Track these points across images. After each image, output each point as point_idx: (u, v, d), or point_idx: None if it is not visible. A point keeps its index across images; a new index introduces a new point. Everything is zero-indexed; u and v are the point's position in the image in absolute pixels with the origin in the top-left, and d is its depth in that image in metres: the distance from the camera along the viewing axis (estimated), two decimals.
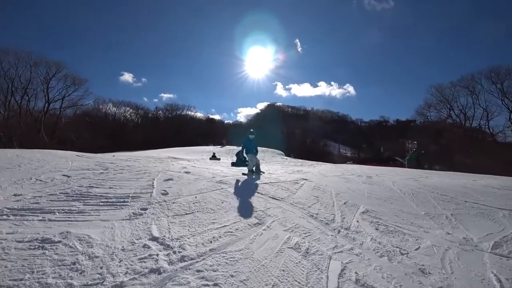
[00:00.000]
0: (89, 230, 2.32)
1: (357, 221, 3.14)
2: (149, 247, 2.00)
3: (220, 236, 2.31)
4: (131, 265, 1.72)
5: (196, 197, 3.72)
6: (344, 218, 3.23)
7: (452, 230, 3.10)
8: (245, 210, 3.20)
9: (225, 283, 1.58)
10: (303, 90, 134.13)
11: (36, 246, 1.93)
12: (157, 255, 1.87)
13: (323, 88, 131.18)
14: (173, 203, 3.38)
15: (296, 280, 1.70)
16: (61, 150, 11.65)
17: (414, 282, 1.89)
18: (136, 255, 1.86)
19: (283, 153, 22.08)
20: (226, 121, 74.54)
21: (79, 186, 4.01)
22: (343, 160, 43.95)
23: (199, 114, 59.34)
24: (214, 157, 16.29)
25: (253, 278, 1.66)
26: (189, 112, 53.94)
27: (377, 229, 2.91)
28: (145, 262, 1.77)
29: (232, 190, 4.23)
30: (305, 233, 2.59)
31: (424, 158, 16.04)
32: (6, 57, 29.98)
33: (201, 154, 19.42)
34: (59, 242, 2.02)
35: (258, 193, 4.13)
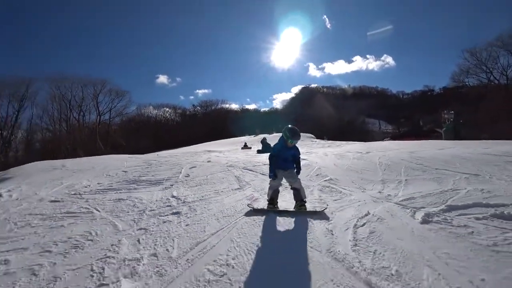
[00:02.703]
0: (140, 195, 4.50)
1: (313, 185, 4.72)
2: (169, 200, 4.05)
3: (209, 195, 4.25)
4: (159, 206, 3.78)
5: (207, 177, 5.74)
6: (305, 184, 4.82)
7: (389, 190, 4.32)
8: (235, 182, 5.08)
9: (200, 209, 3.50)
10: (337, 68, 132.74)
11: (116, 201, 4.15)
12: (172, 202, 3.90)
13: (359, 63, 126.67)
14: (191, 181, 5.46)
15: (235, 210, 3.49)
16: (116, 155, 15.28)
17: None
18: (162, 202, 3.93)
19: (313, 136, 23.19)
20: (262, 109, 77.28)
21: (133, 176, 6.42)
22: (383, 137, 42.12)
23: (234, 106, 63.61)
24: (245, 146, 18.45)
25: (214, 209, 3.53)
26: (224, 105, 58.11)
27: (320, 190, 4.44)
28: (166, 204, 3.82)
29: (234, 171, 6.14)
30: (265, 193, 4.32)
31: (463, 128, 15.42)
32: (62, 83, 37.67)
33: (235, 145, 21.88)
34: (126, 199, 4.22)
35: (252, 171, 5.96)
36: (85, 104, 41.26)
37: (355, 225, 2.81)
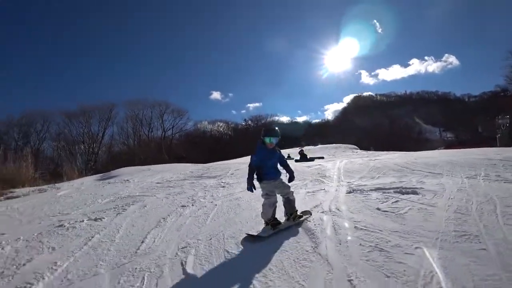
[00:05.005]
0: (204, 181, 8.16)
1: (309, 179, 7.65)
2: (220, 183, 7.59)
3: (243, 181, 7.63)
4: (214, 185, 7.36)
5: (238, 169, 9.16)
6: (303, 177, 7.77)
7: (356, 181, 7.01)
8: None
9: (235, 186, 6.89)
10: (392, 74, 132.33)
11: (191, 183, 7.90)
12: (221, 184, 7.42)
13: (416, 66, 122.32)
14: (234, 176, 8.97)
15: None
16: (181, 163, 20.25)
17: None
18: (216, 184, 7.49)
19: (356, 148, 24.66)
20: (313, 121, 79.40)
21: (198, 174, 10.29)
22: (441, 146, 39.41)
23: (285, 119, 67.84)
24: (288, 157, 21.45)
25: (243, 185, 6.87)
26: (275, 118, 62.82)
27: (311, 181, 7.38)
28: (218, 184, 7.36)
29: None
30: None
31: None
32: (136, 106, 48.50)
33: None
34: (196, 182, 7.93)
35: None
36: (153, 122, 52.02)
37: (307, 192, 5.80)
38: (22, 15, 75.43)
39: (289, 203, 3.62)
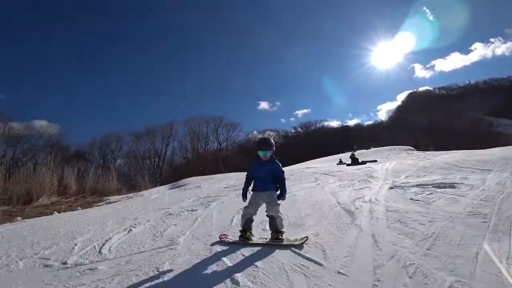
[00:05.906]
0: None
1: (357, 179, 8.68)
2: None
3: (295, 184, 9.01)
4: None
5: (298, 178, 10.51)
6: (351, 178, 8.81)
7: (401, 179, 7.84)
8: (313, 179, 9.63)
9: (292, 187, 8.32)
10: (451, 63, 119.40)
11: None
12: None
13: (480, 51, 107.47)
14: (289, 180, 10.36)
15: (302, 187, 8.08)
16: (238, 172, 22.43)
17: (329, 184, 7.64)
18: None
19: (412, 148, 23.72)
20: (365, 123, 76.47)
21: None
22: None
23: (335, 123, 67.38)
24: (340, 162, 22.03)
25: (296, 187, 8.26)
26: (324, 123, 62.79)
27: (358, 181, 8.39)
28: None
29: (315, 175, 10.66)
30: (325, 181, 8.69)
31: None
32: (192, 122, 54.69)
33: (332, 161, 25.68)
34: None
35: (326, 174, 10.33)
36: (208, 137, 58.57)
37: (353, 189, 6.93)
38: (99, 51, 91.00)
39: (271, 220, 3.47)
